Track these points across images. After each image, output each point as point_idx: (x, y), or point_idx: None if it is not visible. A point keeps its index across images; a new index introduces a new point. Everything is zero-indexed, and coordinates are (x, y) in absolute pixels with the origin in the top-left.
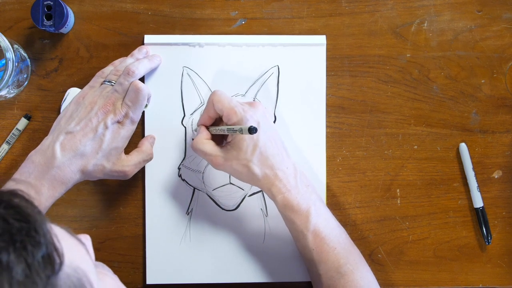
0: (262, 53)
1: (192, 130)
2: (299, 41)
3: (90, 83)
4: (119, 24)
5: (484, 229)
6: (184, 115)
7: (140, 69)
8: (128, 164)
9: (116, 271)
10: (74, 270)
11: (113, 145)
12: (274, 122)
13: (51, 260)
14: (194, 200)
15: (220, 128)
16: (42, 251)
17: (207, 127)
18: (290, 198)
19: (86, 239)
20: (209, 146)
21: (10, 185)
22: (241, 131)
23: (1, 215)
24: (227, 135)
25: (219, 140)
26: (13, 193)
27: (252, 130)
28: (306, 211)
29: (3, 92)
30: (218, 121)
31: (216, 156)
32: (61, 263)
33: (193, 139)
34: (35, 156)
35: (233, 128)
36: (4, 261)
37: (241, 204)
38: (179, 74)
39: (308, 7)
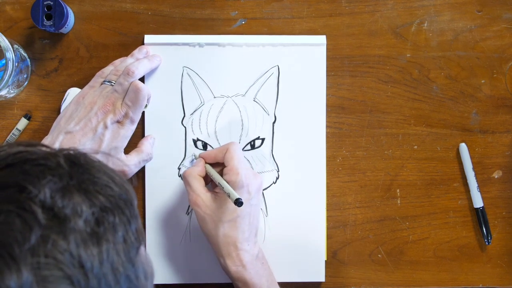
0: (262, 53)
1: (193, 155)
2: (299, 41)
3: (90, 83)
4: (119, 24)
5: (484, 229)
6: (184, 115)
7: (140, 69)
8: (128, 164)
9: None
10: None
11: (112, 145)
12: (274, 122)
13: (139, 234)
14: None
15: (215, 177)
16: (136, 224)
17: (206, 163)
18: (244, 273)
19: None
20: (197, 184)
21: None
22: (229, 195)
23: (105, 181)
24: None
25: (208, 177)
26: (110, 168)
27: (238, 203)
28: (259, 286)
29: (3, 92)
30: (220, 163)
31: (198, 197)
32: (144, 239)
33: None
34: None
35: (223, 187)
36: (111, 221)
37: None
38: (179, 74)
39: (308, 7)
